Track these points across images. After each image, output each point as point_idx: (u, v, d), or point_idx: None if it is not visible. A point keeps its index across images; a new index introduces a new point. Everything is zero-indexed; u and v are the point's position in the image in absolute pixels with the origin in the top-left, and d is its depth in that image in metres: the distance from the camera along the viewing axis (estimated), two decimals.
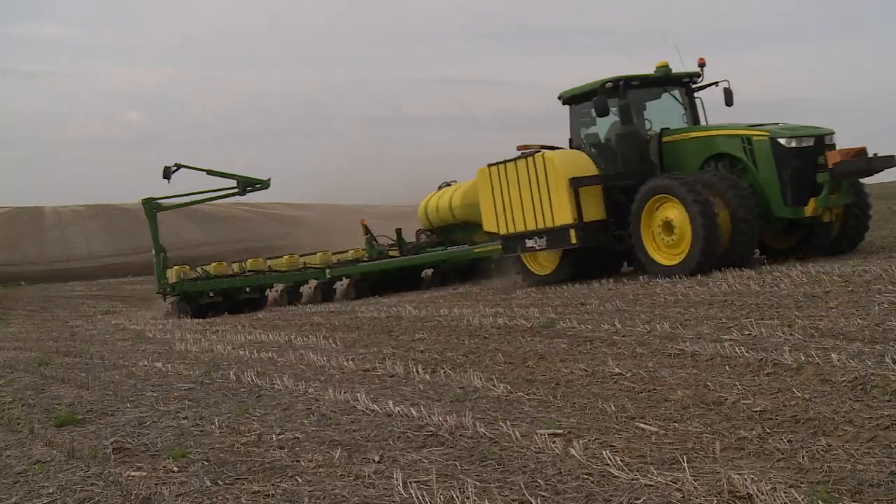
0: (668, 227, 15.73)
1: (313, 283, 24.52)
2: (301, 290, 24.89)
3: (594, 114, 17.02)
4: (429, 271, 24.89)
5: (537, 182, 17.09)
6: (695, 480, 4.97)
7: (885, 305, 10.20)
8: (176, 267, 24.61)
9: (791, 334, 9.08)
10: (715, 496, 4.75)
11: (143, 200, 24.64)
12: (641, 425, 6.42)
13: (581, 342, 10.41)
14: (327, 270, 24.12)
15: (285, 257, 25.62)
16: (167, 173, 23.95)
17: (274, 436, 7.28)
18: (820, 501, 4.54)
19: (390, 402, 7.92)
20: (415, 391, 8.69)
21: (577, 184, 16.56)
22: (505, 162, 17.86)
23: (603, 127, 17.81)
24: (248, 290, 24.24)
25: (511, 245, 18.35)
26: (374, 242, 25.33)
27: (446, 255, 23.59)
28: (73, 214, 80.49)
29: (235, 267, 25.35)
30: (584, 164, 17.05)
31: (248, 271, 24.88)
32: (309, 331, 15.22)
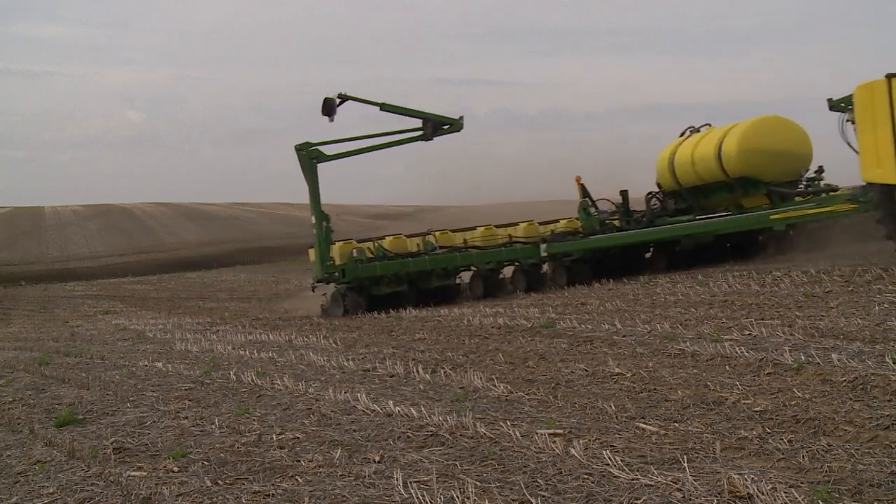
0: None
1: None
2: (502, 275, 19.18)
3: None
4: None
5: None
6: (695, 480, 4.98)
7: (886, 305, 10.21)
8: (340, 243, 18.13)
9: (791, 334, 9.09)
10: (715, 496, 4.75)
11: (297, 147, 17.74)
12: (641, 425, 6.42)
13: (581, 342, 10.41)
14: (543, 246, 18.62)
15: (480, 229, 19.35)
16: (329, 108, 17.80)
17: (274, 436, 7.28)
18: (820, 501, 4.54)
19: (391, 402, 7.92)
20: (415, 391, 8.69)
21: None
22: None
23: None
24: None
25: None
26: (594, 209, 19.72)
27: (729, 223, 17.79)
28: (73, 214, 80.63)
29: (416, 242, 18.99)
30: None
31: (440, 247, 18.71)
32: (309, 331, 15.22)
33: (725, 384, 7.41)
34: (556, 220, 19.92)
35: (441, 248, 18.66)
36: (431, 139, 18.31)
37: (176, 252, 62.52)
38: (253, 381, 10.23)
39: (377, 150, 18.51)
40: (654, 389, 7.59)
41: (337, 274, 17.60)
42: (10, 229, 73.24)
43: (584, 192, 19.61)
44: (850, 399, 6.51)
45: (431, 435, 6.74)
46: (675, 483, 4.98)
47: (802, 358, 7.79)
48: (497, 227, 19.39)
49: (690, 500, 4.75)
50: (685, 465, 5.28)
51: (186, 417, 8.57)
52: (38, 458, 7.44)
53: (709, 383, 7.51)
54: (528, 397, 7.83)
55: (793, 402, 6.60)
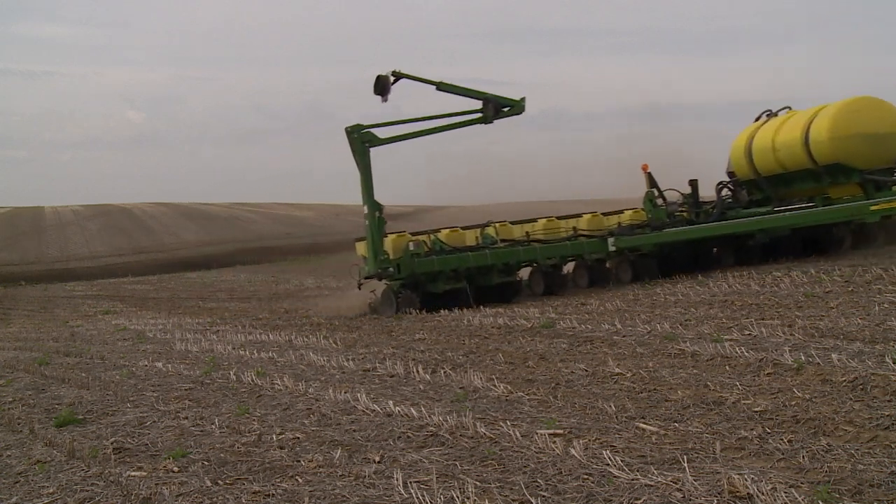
0: None
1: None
2: (564, 271, 18.04)
3: None
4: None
5: None
6: (695, 480, 4.98)
7: (886, 305, 10.22)
8: (393, 235, 16.88)
9: (791, 334, 9.10)
10: (715, 496, 4.75)
11: (348, 129, 16.40)
12: (641, 425, 6.42)
13: (581, 342, 10.42)
14: (611, 240, 17.36)
15: (541, 221, 18.14)
16: (382, 87, 16.39)
17: (274, 436, 7.29)
18: (820, 501, 4.54)
19: (391, 402, 7.93)
20: (415, 391, 8.70)
21: None
22: None
23: None
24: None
25: None
26: (661, 200, 18.26)
27: (821, 214, 16.23)
28: (73, 214, 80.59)
29: (474, 235, 17.58)
30: None
31: (502, 241, 17.39)
32: (309, 331, 15.22)
33: (725, 384, 7.42)
34: (621, 211, 18.54)
35: (504, 241, 17.35)
36: (492, 122, 16.96)
37: (176, 252, 62.48)
38: (253, 381, 10.23)
39: (434, 133, 17.27)
40: (654, 389, 7.59)
41: (391, 269, 16.19)
42: (10, 229, 73.20)
43: (652, 181, 18.05)
44: (850, 399, 6.51)
45: (431, 435, 6.74)
46: (675, 483, 4.98)
47: (802, 358, 7.79)
48: (559, 218, 18.27)
49: (690, 500, 4.75)
50: (685, 465, 5.28)
51: (186, 417, 8.57)
52: (38, 458, 7.44)
53: (709, 383, 7.51)
54: (528, 397, 7.83)
55: (793, 402, 6.60)
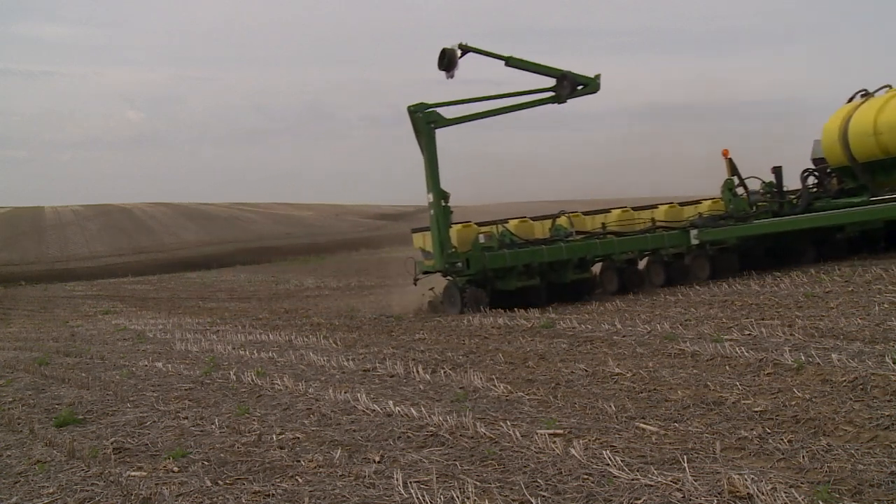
0: None
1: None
2: (640, 267, 16.63)
3: None
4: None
5: None
6: (695, 480, 4.98)
7: (886, 305, 10.23)
8: (458, 226, 15.46)
9: (791, 334, 9.10)
10: (715, 496, 4.75)
11: (411, 108, 15.13)
12: (641, 425, 6.42)
13: (581, 342, 10.42)
14: (693, 232, 15.90)
15: (615, 212, 16.89)
16: (448, 61, 15.12)
17: (274, 436, 7.29)
18: (820, 501, 4.54)
19: (391, 402, 7.93)
20: (415, 391, 8.70)
21: None
22: None
23: None
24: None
25: None
26: (742, 188, 16.92)
27: None
28: (73, 214, 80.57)
29: (543, 227, 16.40)
30: None
31: (577, 233, 16.06)
32: (309, 331, 15.21)
33: (725, 384, 7.42)
34: (699, 201, 17.25)
35: (581, 233, 16.04)
36: (565, 101, 15.79)
37: (176, 252, 62.43)
38: (253, 381, 10.23)
39: (504, 112, 15.98)
40: (654, 389, 7.59)
41: (460, 264, 14.85)
42: (10, 229, 73.15)
43: (733, 168, 16.72)
44: (850, 399, 6.52)
45: (431, 435, 6.75)
46: (675, 483, 4.98)
47: (802, 358, 7.80)
48: (634, 209, 17.01)
49: (690, 500, 4.75)
50: (685, 465, 5.28)
51: (186, 417, 8.57)
52: (38, 458, 7.44)
53: (709, 383, 7.51)
54: (528, 397, 7.83)
55: (793, 402, 6.61)
